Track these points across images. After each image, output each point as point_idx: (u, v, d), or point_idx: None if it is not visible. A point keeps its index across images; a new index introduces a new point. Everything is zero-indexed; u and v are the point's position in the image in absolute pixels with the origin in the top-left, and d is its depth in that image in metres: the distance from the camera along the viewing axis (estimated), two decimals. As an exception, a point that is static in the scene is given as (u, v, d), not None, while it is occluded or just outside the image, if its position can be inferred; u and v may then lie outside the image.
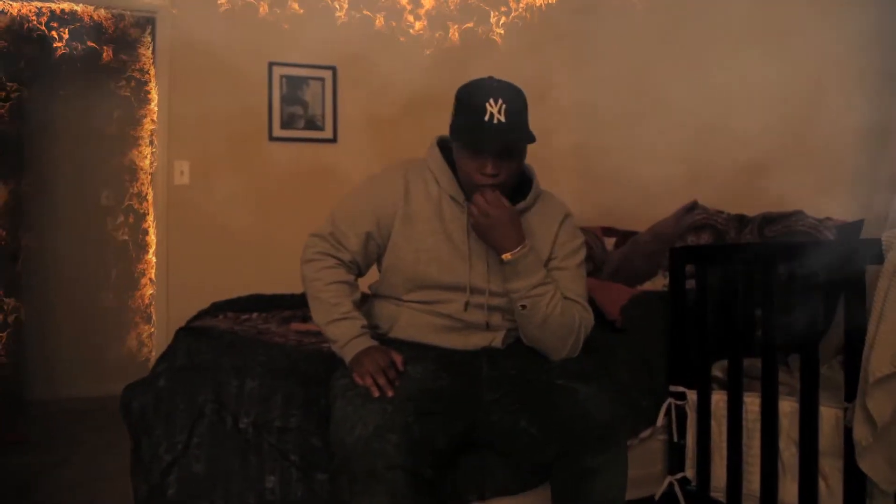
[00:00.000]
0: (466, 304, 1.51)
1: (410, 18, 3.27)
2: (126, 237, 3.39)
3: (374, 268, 1.64)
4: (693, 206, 2.63)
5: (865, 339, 1.21)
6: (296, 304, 2.55)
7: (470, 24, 3.23)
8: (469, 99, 1.42)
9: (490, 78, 1.46)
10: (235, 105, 3.13)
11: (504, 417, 1.42)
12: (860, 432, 1.19)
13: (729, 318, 1.64)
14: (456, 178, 1.52)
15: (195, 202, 3.09)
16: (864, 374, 1.18)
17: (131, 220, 3.29)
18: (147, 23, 3.10)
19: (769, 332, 1.50)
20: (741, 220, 2.45)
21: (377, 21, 3.23)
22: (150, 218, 3.16)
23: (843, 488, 1.30)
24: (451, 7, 3.15)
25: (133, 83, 3.14)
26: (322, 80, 3.26)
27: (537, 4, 3.13)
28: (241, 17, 3.04)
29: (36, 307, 3.74)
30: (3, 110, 3.03)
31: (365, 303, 1.66)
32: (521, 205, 1.52)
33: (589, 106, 3.44)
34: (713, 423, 1.64)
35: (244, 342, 1.84)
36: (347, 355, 1.46)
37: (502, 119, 1.38)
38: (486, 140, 1.39)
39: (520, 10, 3.12)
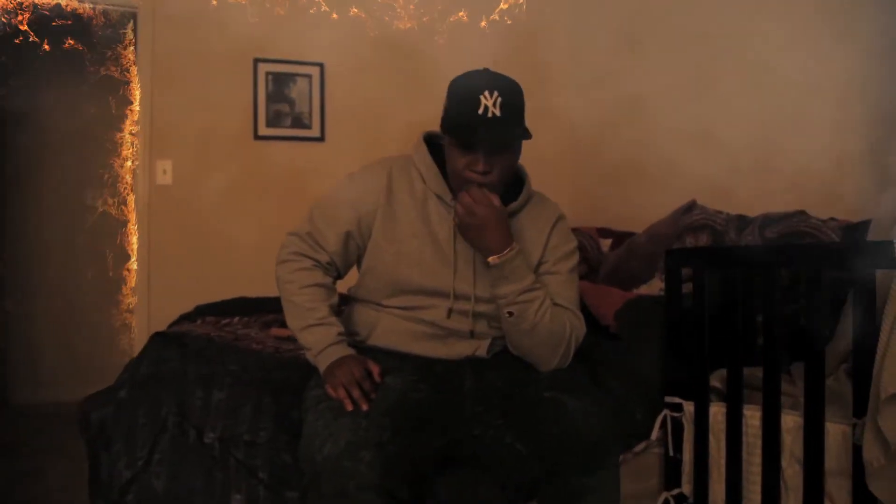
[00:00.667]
0: (449, 311, 1.41)
1: (401, 13, 3.18)
2: (108, 238, 3.28)
3: (355, 270, 1.55)
4: (691, 206, 2.54)
5: (877, 350, 1.12)
6: (279, 308, 2.44)
7: (461, 15, 3.14)
8: (462, 90, 1.33)
9: (485, 70, 1.36)
10: (219, 103, 3.05)
11: (488, 432, 1.32)
12: (871, 452, 1.10)
13: (728, 324, 1.54)
14: (444, 176, 1.43)
15: (178, 203, 3.00)
16: (876, 390, 1.09)
17: (113, 221, 3.19)
18: (128, 18, 3.00)
19: (771, 341, 1.40)
20: (741, 220, 2.36)
21: (366, 16, 3.15)
22: (132, 219, 3.06)
23: (852, 510, 1.21)
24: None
25: (114, 80, 3.04)
26: (309, 76, 3.17)
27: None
28: (225, 12, 2.95)
29: (19, 310, 3.66)
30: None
31: (345, 307, 1.57)
32: (512, 206, 1.43)
33: (585, 102, 3.35)
34: (711, 436, 1.55)
35: (216, 349, 1.74)
36: (321, 364, 1.37)
37: (497, 113, 1.29)
38: (479, 134, 1.30)
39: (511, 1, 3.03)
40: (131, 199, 3.05)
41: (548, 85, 3.35)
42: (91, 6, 2.91)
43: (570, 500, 1.26)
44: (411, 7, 3.17)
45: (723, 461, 1.49)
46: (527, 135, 1.32)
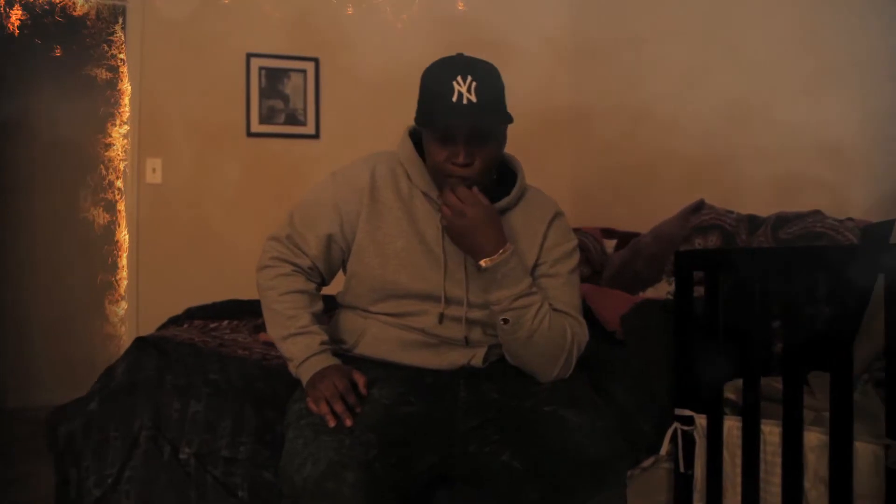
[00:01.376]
0: (441, 317, 1.31)
1: (400, 5, 3.09)
2: (98, 239, 3.19)
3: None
4: (700, 206, 2.43)
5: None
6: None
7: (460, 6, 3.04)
8: (434, 79, 1.23)
9: (458, 55, 1.27)
10: (211, 99, 2.97)
11: (483, 449, 1.22)
12: (906, 475, 0.99)
13: (744, 331, 1.44)
14: (429, 173, 1.33)
15: (168, 202, 2.93)
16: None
17: (102, 221, 3.10)
18: (117, 11, 2.91)
19: (792, 350, 1.30)
20: (752, 220, 2.25)
21: (363, 9, 3.05)
22: (121, 219, 2.97)
23: (881, 536, 1.10)
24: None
25: (102, 75, 2.95)
26: (304, 71, 3.09)
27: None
28: (217, 5, 2.87)
29: (8, 313, 3.57)
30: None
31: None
32: (504, 202, 1.33)
33: (588, 98, 3.25)
34: (725, 452, 1.44)
35: (198, 356, 1.64)
36: (303, 376, 1.27)
37: (472, 98, 1.19)
38: (455, 123, 1.20)
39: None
40: (120, 198, 2.96)
41: (550, 79, 3.24)
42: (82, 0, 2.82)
43: (573, 523, 1.16)
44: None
45: (738, 479, 1.38)
46: (507, 119, 1.23)
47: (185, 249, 2.93)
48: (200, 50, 2.93)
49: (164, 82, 2.90)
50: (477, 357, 1.33)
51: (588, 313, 1.47)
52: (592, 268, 2.71)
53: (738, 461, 1.39)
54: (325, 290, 1.45)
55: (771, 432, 1.35)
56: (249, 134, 3.03)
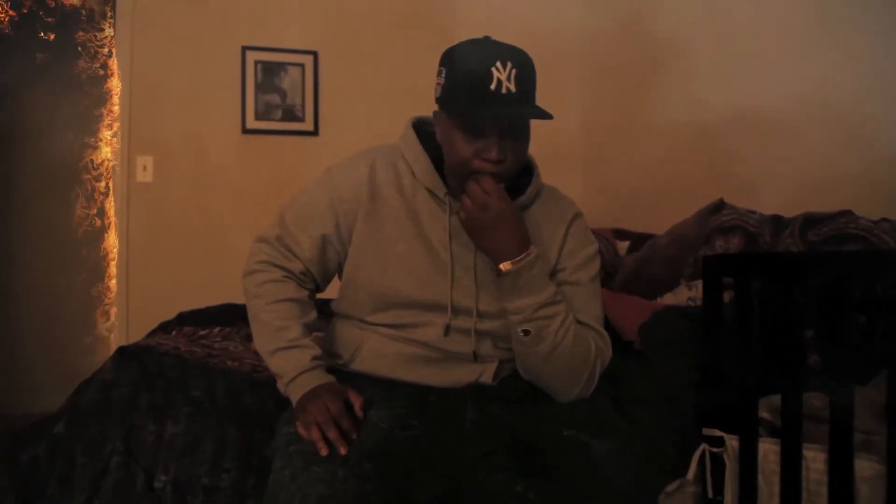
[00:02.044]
0: (447, 329, 1.18)
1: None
2: (87, 240, 3.06)
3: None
4: (720, 206, 2.29)
5: None
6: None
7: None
8: (468, 62, 1.09)
9: (488, 38, 1.13)
10: (205, 93, 2.85)
11: (495, 478, 1.08)
12: None
13: (782, 341, 1.30)
14: (436, 168, 1.19)
15: (159, 201, 2.81)
16: None
17: (91, 222, 2.97)
18: (105, 2, 2.78)
19: (839, 364, 1.16)
20: (776, 221, 2.11)
21: (363, -1, 2.92)
22: (110, 219, 2.84)
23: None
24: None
25: (90, 68, 2.82)
26: (302, 65, 2.96)
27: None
28: (211, -4, 2.75)
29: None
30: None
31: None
32: (520, 200, 1.19)
33: (598, 92, 3.11)
34: (761, 478, 1.30)
35: (181, 369, 1.52)
36: (293, 395, 1.14)
37: (512, 88, 1.06)
38: (494, 115, 1.07)
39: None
40: (110, 197, 2.83)
41: (558, 69, 3.11)
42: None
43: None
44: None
45: (776, 509, 1.25)
46: (546, 114, 1.09)
47: (177, 251, 2.82)
48: (193, 42, 2.82)
49: (156, 76, 2.78)
50: (487, 373, 1.20)
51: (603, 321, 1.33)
52: (605, 270, 2.57)
53: (777, 490, 1.25)
54: (325, 293, 1.32)
55: (815, 458, 1.21)
56: (245, 130, 2.91)
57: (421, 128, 1.25)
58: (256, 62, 2.91)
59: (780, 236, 2.04)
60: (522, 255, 1.09)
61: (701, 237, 2.27)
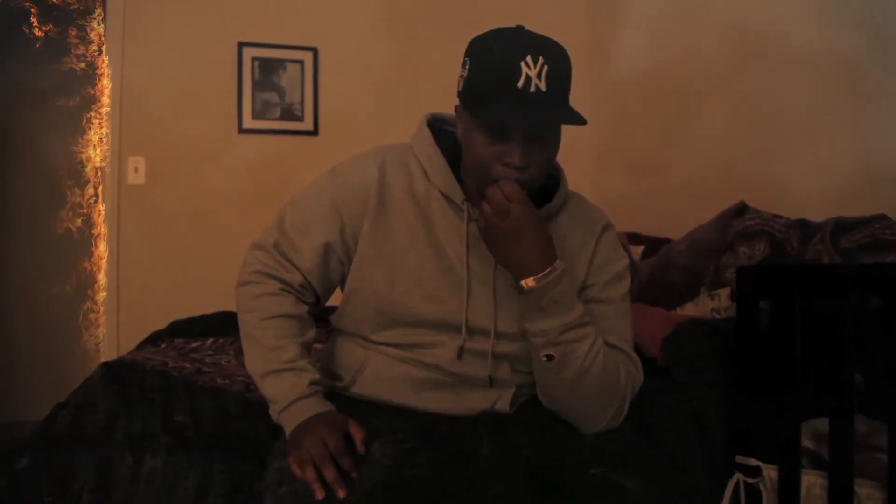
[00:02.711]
0: (461, 351, 1.06)
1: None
2: (75, 246, 2.94)
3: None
4: (742, 209, 2.17)
5: None
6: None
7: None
8: (494, 55, 0.96)
9: (520, 27, 1.00)
10: (199, 92, 2.76)
11: (513, 520, 0.96)
12: None
13: (826, 361, 1.18)
14: (452, 170, 1.07)
15: (152, 205, 2.71)
16: None
17: (81, 227, 2.85)
18: (97, -4, 2.67)
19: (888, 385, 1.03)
20: (804, 226, 1.99)
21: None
22: (100, 223, 2.72)
23: None
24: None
25: (81, 65, 2.70)
26: (301, 62, 2.88)
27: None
28: (205, -10, 2.64)
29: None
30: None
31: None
32: (547, 209, 1.07)
33: (610, 86, 2.99)
34: (806, 515, 1.18)
35: (166, 389, 1.40)
36: (287, 425, 1.02)
37: (542, 87, 0.93)
38: (521, 115, 0.94)
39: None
40: (99, 201, 2.71)
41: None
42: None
43: None
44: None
45: (824, 550, 1.12)
46: (580, 119, 0.96)
47: (170, 256, 2.72)
48: (187, 38, 2.72)
49: (148, 73, 2.68)
50: (503, 400, 1.08)
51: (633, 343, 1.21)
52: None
53: (825, 529, 1.13)
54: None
55: (870, 496, 1.09)
56: (241, 130, 2.82)
57: (436, 126, 1.13)
58: (253, 59, 2.83)
59: (809, 243, 1.91)
60: (547, 271, 0.97)
61: (722, 243, 2.15)
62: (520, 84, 0.92)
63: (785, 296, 1.25)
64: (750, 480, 1.29)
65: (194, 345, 2.01)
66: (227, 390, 1.47)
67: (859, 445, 1.19)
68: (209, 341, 2.07)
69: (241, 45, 2.80)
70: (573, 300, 1.00)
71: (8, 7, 2.55)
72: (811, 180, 2.13)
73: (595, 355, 0.99)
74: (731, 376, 1.40)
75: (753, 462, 1.29)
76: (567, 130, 1.02)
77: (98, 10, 2.68)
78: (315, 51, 2.88)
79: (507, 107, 0.93)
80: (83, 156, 2.74)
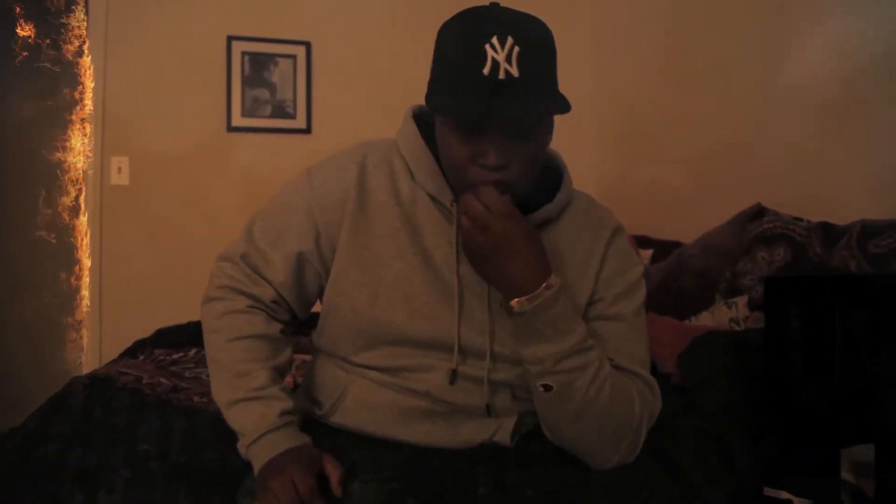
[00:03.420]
0: (453, 375, 0.93)
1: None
2: (54, 251, 2.80)
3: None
4: (760, 211, 2.04)
5: None
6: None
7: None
8: (456, 40, 0.84)
9: (493, 5, 0.87)
10: (185, 88, 2.67)
11: (515, 572, 0.84)
12: None
13: (867, 381, 1.05)
14: (441, 168, 0.95)
15: (136, 206, 2.62)
16: None
17: (61, 229, 2.73)
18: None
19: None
20: (827, 229, 1.86)
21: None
22: (82, 226, 2.60)
23: None
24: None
25: (61, 61, 2.58)
26: (293, 57, 2.79)
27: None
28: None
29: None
30: None
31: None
32: (543, 212, 0.94)
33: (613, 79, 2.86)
34: (847, 558, 1.05)
35: (134, 410, 1.28)
36: (255, 461, 0.90)
37: (513, 71, 0.80)
38: (487, 108, 0.81)
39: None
40: (81, 202, 2.60)
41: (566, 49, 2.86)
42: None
43: None
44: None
45: None
46: (563, 106, 0.83)
47: (155, 260, 2.63)
48: (173, 31, 2.63)
49: (132, 69, 2.58)
50: (503, 432, 0.95)
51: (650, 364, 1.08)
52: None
53: (870, 576, 1.00)
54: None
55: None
56: (230, 128, 2.73)
57: (424, 119, 1.00)
58: (243, 53, 2.74)
59: (833, 248, 1.78)
60: (540, 289, 0.84)
61: (738, 247, 2.02)
62: (485, 70, 0.79)
63: (821, 307, 1.12)
64: (779, 515, 1.16)
65: (176, 356, 1.90)
66: (204, 410, 1.35)
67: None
68: (192, 352, 1.96)
69: (230, 38, 2.71)
70: (572, 322, 0.87)
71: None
72: (834, 180, 2.00)
73: (600, 385, 0.86)
74: (757, 397, 1.27)
75: (784, 495, 1.16)
76: (564, 119, 0.89)
77: (80, 3, 2.56)
78: (308, 45, 2.80)
79: (472, 99, 0.80)
80: (64, 154, 2.62)
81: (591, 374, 0.86)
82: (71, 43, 2.58)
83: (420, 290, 0.94)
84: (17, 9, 2.52)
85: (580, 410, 0.86)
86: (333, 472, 0.85)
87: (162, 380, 1.61)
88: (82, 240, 2.59)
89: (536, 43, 0.83)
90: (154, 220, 2.61)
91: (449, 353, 0.93)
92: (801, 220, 1.94)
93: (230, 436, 1.15)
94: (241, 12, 2.70)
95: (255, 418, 0.91)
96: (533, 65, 0.81)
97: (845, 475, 1.12)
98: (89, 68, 2.55)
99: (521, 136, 0.85)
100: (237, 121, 2.73)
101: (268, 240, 0.99)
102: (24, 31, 2.52)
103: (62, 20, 2.57)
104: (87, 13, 2.54)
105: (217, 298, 1.00)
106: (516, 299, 0.84)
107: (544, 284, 0.84)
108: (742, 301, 1.85)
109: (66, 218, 2.61)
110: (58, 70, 2.57)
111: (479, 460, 0.92)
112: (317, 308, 1.08)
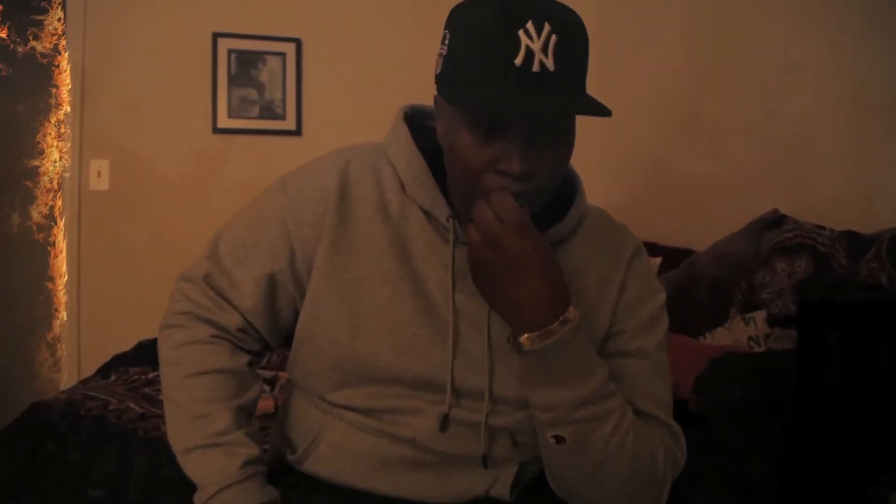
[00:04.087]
0: (445, 420, 0.80)
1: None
2: (29, 260, 2.68)
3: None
4: (779, 219, 1.92)
5: None
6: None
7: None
8: (484, 21, 0.69)
9: None
10: (169, 87, 2.55)
11: None
12: None
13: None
14: (436, 178, 0.82)
15: (116, 213, 2.50)
16: None
17: (38, 235, 2.61)
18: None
19: None
20: (852, 238, 1.74)
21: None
22: (59, 234, 2.48)
23: None
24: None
25: (36, 58, 2.46)
26: (282, 55, 2.67)
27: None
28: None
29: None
30: None
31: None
32: (557, 230, 0.81)
33: (619, 79, 2.74)
34: None
35: (90, 445, 1.16)
36: (214, 520, 0.76)
37: (549, 65, 0.67)
38: (522, 104, 0.68)
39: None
40: (58, 208, 2.47)
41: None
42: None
43: None
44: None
45: None
46: (600, 108, 0.70)
47: (137, 269, 2.49)
48: (156, 28, 2.50)
49: (112, 68, 2.46)
50: (501, 484, 0.82)
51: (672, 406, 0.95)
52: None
53: None
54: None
55: None
56: (216, 130, 2.61)
57: (417, 121, 0.87)
58: (230, 51, 2.62)
59: (861, 259, 1.66)
60: (556, 323, 0.71)
61: (755, 257, 1.90)
62: (518, 61, 0.66)
63: (862, 332, 1.00)
64: (815, 568, 1.03)
65: (151, 375, 1.78)
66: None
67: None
68: (169, 370, 1.83)
69: (215, 35, 2.58)
70: (592, 363, 0.73)
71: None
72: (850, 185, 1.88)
73: (623, 438, 0.73)
74: (787, 430, 1.15)
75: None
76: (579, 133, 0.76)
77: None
78: (298, 42, 2.67)
79: (501, 92, 0.67)
80: (39, 158, 2.50)
81: (612, 423, 0.72)
82: (48, 41, 2.46)
83: (408, 321, 0.80)
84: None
85: (597, 465, 0.73)
86: (301, 538, 0.72)
87: (131, 405, 1.49)
88: (59, 249, 2.47)
89: (575, 33, 0.70)
90: (135, 226, 2.49)
91: (440, 394, 0.80)
92: (823, 228, 1.81)
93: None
94: (227, 8, 2.57)
95: (214, 469, 0.78)
96: (570, 58, 0.68)
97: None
98: (66, 67, 2.43)
99: (551, 140, 0.72)
100: (223, 122, 2.61)
101: (234, 258, 0.86)
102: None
103: (37, 17, 2.45)
104: (63, 10, 2.42)
105: (176, 326, 0.87)
106: (526, 335, 0.71)
107: (562, 317, 0.71)
108: (760, 316, 1.73)
109: (42, 226, 2.49)
110: (33, 67, 2.45)
111: (473, 519, 0.80)
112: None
